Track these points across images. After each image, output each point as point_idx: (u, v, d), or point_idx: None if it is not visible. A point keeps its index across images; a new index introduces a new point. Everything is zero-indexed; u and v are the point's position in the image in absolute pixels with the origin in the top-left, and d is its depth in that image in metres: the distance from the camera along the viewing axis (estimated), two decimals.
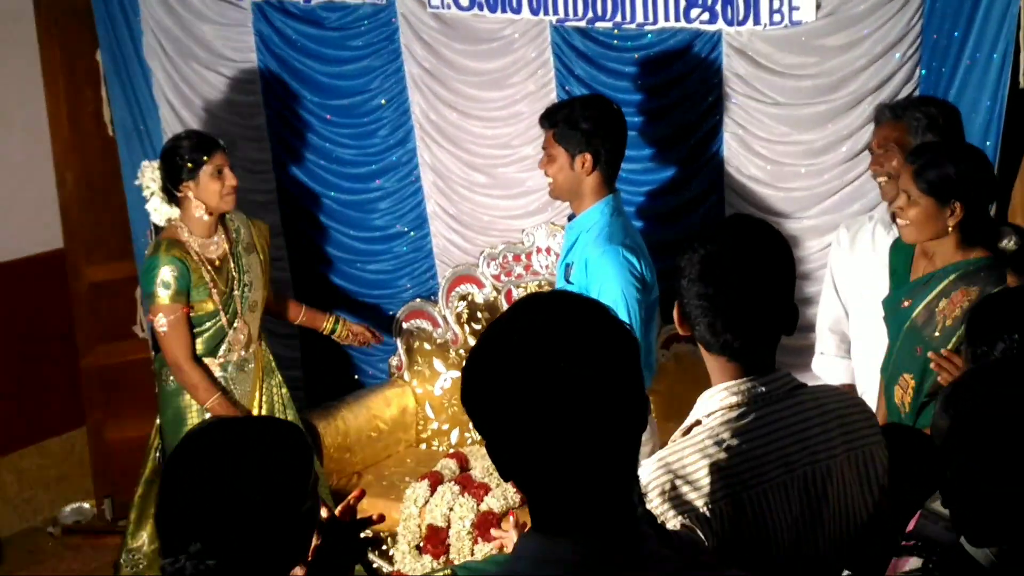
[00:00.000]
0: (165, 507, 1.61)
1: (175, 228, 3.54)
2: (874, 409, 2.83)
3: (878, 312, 3.25)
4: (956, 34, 3.31)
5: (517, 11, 3.86)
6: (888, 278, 3.00)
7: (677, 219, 3.85)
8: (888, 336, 2.93)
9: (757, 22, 3.49)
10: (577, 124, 3.17)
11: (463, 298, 4.24)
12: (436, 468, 3.99)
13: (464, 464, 4.05)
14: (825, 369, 3.44)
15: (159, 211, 3.56)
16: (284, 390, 3.78)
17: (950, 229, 2.72)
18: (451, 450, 4.20)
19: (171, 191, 3.51)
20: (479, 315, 4.22)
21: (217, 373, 3.58)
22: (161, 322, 3.46)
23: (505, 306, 4.15)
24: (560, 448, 1.27)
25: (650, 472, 1.82)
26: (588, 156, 3.16)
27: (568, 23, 3.81)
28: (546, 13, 3.82)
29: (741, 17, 3.52)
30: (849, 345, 3.40)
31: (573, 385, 1.25)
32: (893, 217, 3.23)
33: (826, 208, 3.55)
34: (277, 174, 4.41)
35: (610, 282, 3.00)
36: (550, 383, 1.25)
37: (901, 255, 2.94)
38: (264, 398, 3.68)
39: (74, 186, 4.87)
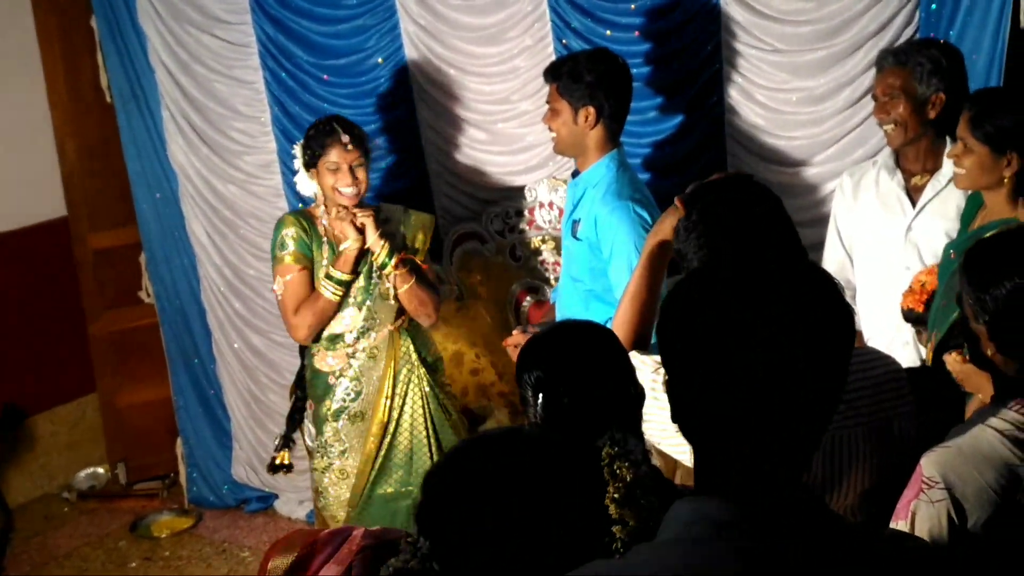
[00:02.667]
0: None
1: (314, 206, 3.54)
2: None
3: (882, 258, 3.25)
4: None
5: None
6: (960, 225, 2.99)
7: (682, 169, 3.82)
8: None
9: None
10: (581, 77, 3.16)
11: (467, 255, 4.24)
12: None
13: (475, 420, 4.09)
14: None
15: (302, 185, 3.55)
16: (431, 388, 3.61)
17: (1005, 180, 2.72)
18: (462, 407, 4.22)
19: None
20: (484, 272, 4.23)
21: (347, 364, 3.54)
22: (277, 285, 3.47)
23: (511, 263, 4.16)
24: (762, 410, 1.21)
25: None
26: (592, 110, 3.14)
27: None
28: None
29: None
30: (854, 292, 3.40)
31: (786, 347, 1.20)
32: (896, 161, 3.23)
33: (829, 156, 3.53)
34: (276, 136, 4.40)
35: (623, 238, 3.00)
36: (762, 343, 1.20)
37: (972, 204, 2.92)
38: (399, 389, 3.57)
39: (75, 154, 4.89)
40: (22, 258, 4.92)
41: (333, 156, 3.39)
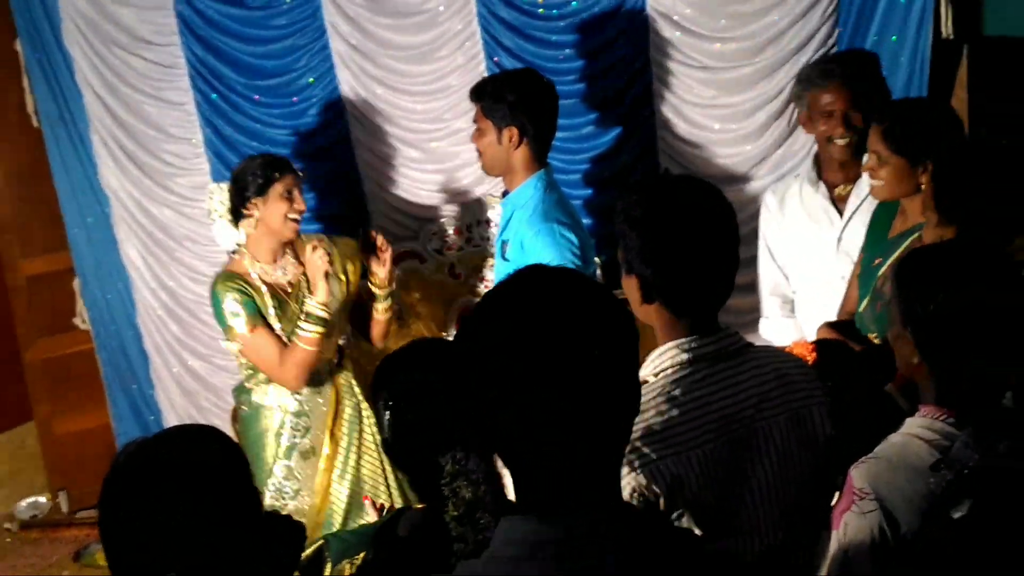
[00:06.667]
0: (121, 553, 1.58)
1: (237, 260, 3.45)
2: None
3: (817, 270, 3.31)
4: None
5: None
6: (866, 235, 3.05)
7: (618, 183, 3.86)
8: (859, 295, 2.99)
9: None
10: (503, 98, 3.18)
11: (406, 274, 4.24)
12: None
13: None
14: (772, 331, 3.49)
15: (223, 235, 3.48)
16: (366, 413, 3.56)
17: (923, 186, 2.74)
18: None
19: (237, 210, 3.39)
20: (423, 290, 4.23)
21: (291, 400, 3.48)
22: (246, 350, 3.36)
23: (450, 280, 4.17)
24: (558, 431, 1.25)
25: None
26: (515, 130, 3.16)
27: None
28: None
29: None
30: (792, 305, 3.45)
31: (577, 366, 1.24)
32: (819, 174, 3.29)
33: (760, 171, 3.60)
34: (209, 157, 4.36)
35: (548, 262, 3.01)
36: (554, 363, 1.23)
37: (883, 213, 2.97)
38: (346, 421, 3.54)
39: (3, 179, 4.80)
40: None
41: (290, 181, 3.36)
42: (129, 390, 4.78)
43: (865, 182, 3.17)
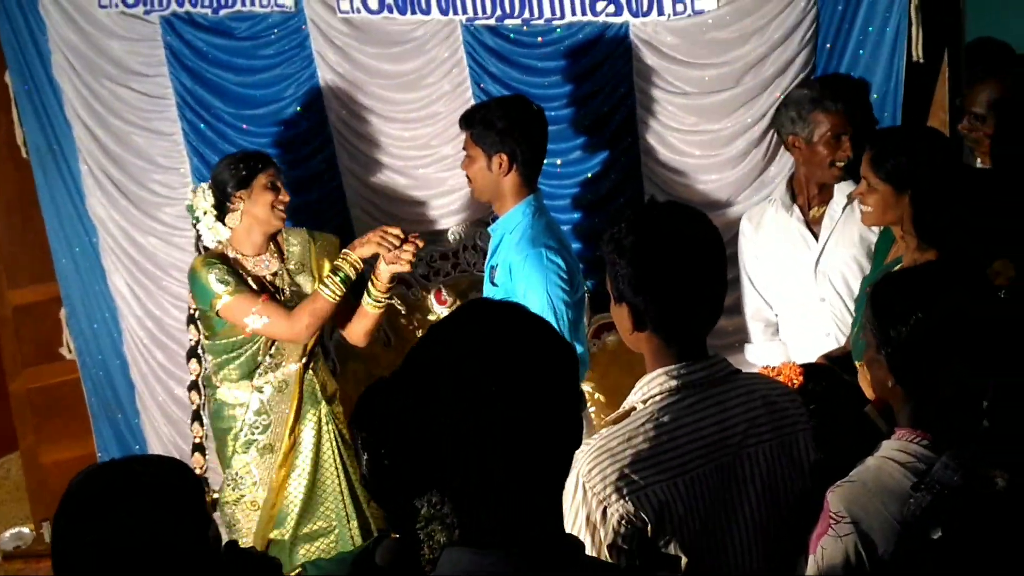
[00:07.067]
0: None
1: (220, 247, 3.54)
2: None
3: (797, 292, 3.35)
4: (848, 12, 3.40)
5: (427, 12, 3.87)
6: (872, 265, 3.10)
7: (602, 209, 3.90)
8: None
9: (661, 13, 3.55)
10: (492, 124, 3.23)
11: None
12: None
13: None
14: (757, 355, 3.51)
15: (212, 230, 3.56)
16: (333, 423, 3.64)
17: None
18: None
19: (223, 205, 3.50)
20: (409, 315, 4.25)
21: (253, 398, 3.56)
22: (256, 323, 3.42)
23: (435, 305, 4.19)
24: (496, 463, 1.28)
25: (591, 458, 1.89)
26: (504, 156, 3.21)
27: (478, 21, 3.84)
28: (455, 12, 3.84)
29: (646, 8, 3.58)
30: (776, 327, 3.48)
31: (513, 401, 1.27)
32: (792, 198, 3.34)
33: (740, 196, 3.64)
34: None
35: (535, 286, 3.05)
36: (490, 398, 1.27)
37: (885, 238, 3.03)
38: (308, 423, 3.61)
39: None
40: None
41: (272, 173, 3.50)
42: (115, 419, 4.77)
43: (837, 203, 3.24)
